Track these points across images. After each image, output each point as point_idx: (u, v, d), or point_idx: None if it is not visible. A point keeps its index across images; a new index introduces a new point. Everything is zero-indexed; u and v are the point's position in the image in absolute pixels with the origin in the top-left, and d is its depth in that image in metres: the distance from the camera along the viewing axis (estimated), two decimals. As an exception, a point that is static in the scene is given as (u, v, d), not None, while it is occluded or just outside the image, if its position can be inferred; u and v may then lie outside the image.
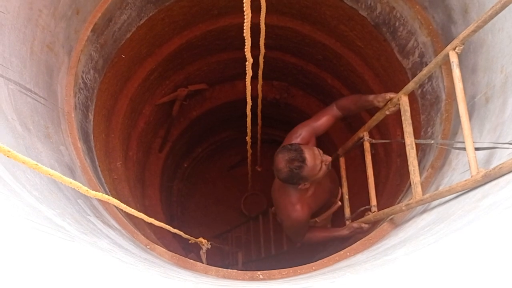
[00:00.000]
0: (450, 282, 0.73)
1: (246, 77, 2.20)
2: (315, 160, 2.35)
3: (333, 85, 3.99)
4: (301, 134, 2.59)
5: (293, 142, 2.53)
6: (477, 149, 1.58)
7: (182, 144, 4.74)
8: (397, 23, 2.70)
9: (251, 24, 2.26)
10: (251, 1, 2.11)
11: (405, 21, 2.63)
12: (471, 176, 1.51)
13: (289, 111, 4.74)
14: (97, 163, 2.59)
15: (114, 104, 3.11)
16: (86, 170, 2.25)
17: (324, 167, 2.42)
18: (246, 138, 3.34)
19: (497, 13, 1.47)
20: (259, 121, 3.29)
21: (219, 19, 3.39)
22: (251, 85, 3.03)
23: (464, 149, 1.60)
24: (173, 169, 5.00)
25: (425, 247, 1.13)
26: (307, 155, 2.33)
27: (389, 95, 2.39)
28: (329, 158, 2.45)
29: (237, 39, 3.61)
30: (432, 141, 2.10)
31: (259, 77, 2.72)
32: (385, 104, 2.43)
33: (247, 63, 2.06)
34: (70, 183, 1.21)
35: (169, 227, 2.17)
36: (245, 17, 1.69)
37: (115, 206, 2.29)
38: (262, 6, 2.01)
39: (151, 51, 3.24)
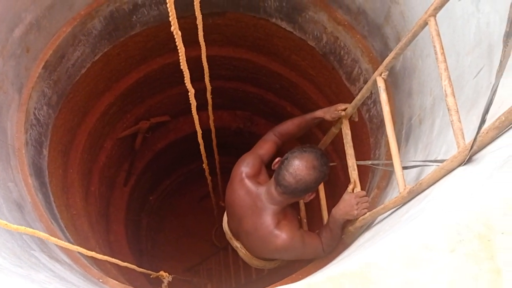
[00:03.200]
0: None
1: (192, 108, 2.27)
2: None
3: (293, 112, 4.09)
4: (249, 163, 2.34)
5: (243, 172, 2.29)
6: (404, 168, 1.67)
7: (148, 177, 4.74)
8: (342, 52, 2.84)
9: (207, 56, 2.37)
10: (204, 35, 2.23)
11: (349, 50, 2.76)
12: (399, 193, 1.59)
13: (254, 139, 4.81)
14: (52, 198, 2.59)
15: (71, 139, 3.12)
16: (37, 206, 2.25)
17: None
18: (206, 174, 3.40)
19: (410, 41, 1.59)
20: (216, 154, 3.36)
21: (176, 52, 3.43)
22: (214, 116, 3.12)
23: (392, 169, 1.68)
24: (140, 203, 4.97)
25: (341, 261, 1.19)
26: None
27: (341, 106, 2.29)
28: None
29: (196, 70, 3.70)
30: (370, 162, 2.19)
31: (209, 112, 2.80)
32: (338, 119, 2.36)
33: (189, 93, 2.13)
34: None
35: (117, 260, 2.17)
36: (179, 52, 1.76)
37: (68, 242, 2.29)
38: (202, 46, 2.09)
39: (108, 85, 3.29)
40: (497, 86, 0.80)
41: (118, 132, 3.78)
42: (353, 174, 2.15)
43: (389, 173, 2.35)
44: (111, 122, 3.62)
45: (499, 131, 1.10)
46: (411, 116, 2.23)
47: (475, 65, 1.67)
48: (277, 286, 1.83)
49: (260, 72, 3.77)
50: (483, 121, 0.94)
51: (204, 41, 2.25)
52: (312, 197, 2.11)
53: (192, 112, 2.27)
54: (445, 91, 1.37)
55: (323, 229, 2.25)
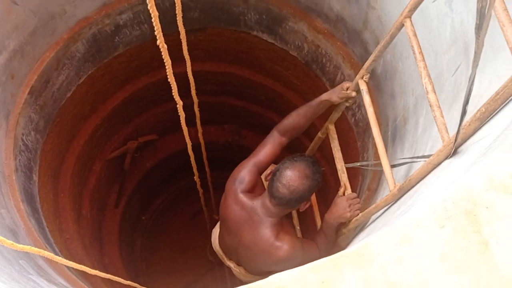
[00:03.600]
0: None
1: (181, 119, 2.28)
2: None
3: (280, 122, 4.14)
4: (244, 178, 2.20)
5: (237, 189, 2.19)
6: (393, 166, 1.71)
7: (139, 197, 4.72)
8: (324, 60, 2.89)
9: (192, 71, 2.40)
10: (187, 51, 2.26)
11: (330, 57, 2.82)
12: (390, 191, 1.62)
13: (243, 152, 4.84)
14: (44, 224, 2.58)
15: (60, 164, 3.11)
16: (31, 231, 2.25)
17: None
18: (197, 186, 3.41)
19: (388, 43, 1.64)
20: (206, 166, 3.37)
21: (160, 70, 3.50)
22: (202, 131, 3.15)
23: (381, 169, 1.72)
24: (133, 224, 4.94)
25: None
26: None
27: (346, 84, 2.10)
28: None
29: (181, 87, 3.73)
30: (358, 164, 2.23)
31: (197, 125, 2.82)
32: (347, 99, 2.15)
33: (178, 106, 2.16)
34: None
35: (119, 278, 2.17)
36: (166, 64, 1.79)
37: (65, 266, 2.28)
38: (186, 58, 2.12)
39: (94, 107, 3.30)
40: (474, 76, 0.84)
41: (107, 154, 3.78)
42: (343, 177, 2.18)
43: (378, 175, 2.39)
44: (99, 144, 3.61)
45: (481, 122, 1.14)
46: (395, 117, 2.28)
47: (453, 63, 1.72)
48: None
49: (244, 84, 3.82)
50: (464, 112, 0.98)
51: (189, 56, 2.29)
52: (307, 205, 2.10)
53: (181, 124, 2.29)
54: (426, 88, 1.42)
55: (317, 235, 2.24)
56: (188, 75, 2.31)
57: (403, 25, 1.53)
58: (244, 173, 2.23)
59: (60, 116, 2.88)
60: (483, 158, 0.77)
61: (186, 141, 2.49)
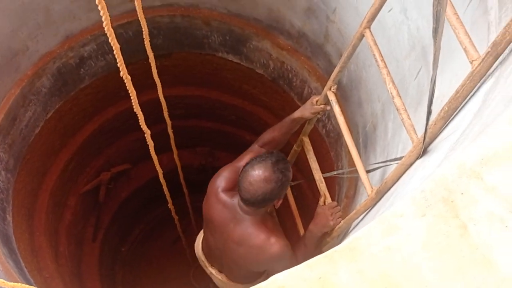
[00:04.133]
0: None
1: (150, 148, 2.29)
2: None
3: (252, 140, 4.15)
4: (225, 177, 2.22)
5: (218, 187, 2.19)
6: (368, 171, 1.76)
7: (116, 228, 4.63)
8: (290, 75, 2.96)
9: (158, 99, 2.41)
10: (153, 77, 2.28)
11: (296, 72, 2.89)
12: (368, 196, 1.67)
13: (218, 173, 4.85)
14: (22, 264, 2.50)
15: (34, 202, 3.04)
16: (10, 273, 2.18)
17: None
18: (172, 214, 3.39)
19: (351, 54, 1.71)
20: (184, 187, 3.36)
21: (128, 99, 3.46)
22: (173, 157, 3.14)
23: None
24: (112, 256, 4.83)
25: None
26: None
27: (315, 98, 2.17)
28: None
29: (150, 114, 3.73)
30: (335, 173, 2.28)
31: (172, 147, 2.82)
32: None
33: (146, 135, 2.16)
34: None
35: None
36: (131, 96, 1.80)
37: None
38: (156, 81, 2.14)
39: (64, 141, 3.26)
40: (435, 77, 0.90)
41: (80, 187, 3.71)
42: (322, 187, 2.22)
43: (354, 182, 2.45)
44: (72, 178, 3.55)
45: (445, 120, 1.20)
46: (365, 124, 2.35)
47: (414, 67, 1.81)
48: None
49: (214, 106, 3.85)
50: (429, 112, 1.04)
51: (154, 83, 2.30)
52: (280, 202, 2.05)
53: (151, 153, 2.29)
54: (391, 93, 1.48)
55: (297, 245, 2.20)
56: (160, 98, 2.32)
57: (363, 35, 1.59)
58: (225, 173, 2.25)
59: (30, 153, 2.82)
60: (453, 150, 0.82)
61: (157, 169, 2.49)
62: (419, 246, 0.51)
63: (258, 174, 1.90)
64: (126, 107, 3.54)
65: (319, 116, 2.22)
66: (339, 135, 2.73)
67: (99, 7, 1.29)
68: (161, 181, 2.63)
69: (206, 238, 2.47)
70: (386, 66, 1.53)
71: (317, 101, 2.14)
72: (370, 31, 1.59)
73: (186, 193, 3.52)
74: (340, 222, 1.97)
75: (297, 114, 2.23)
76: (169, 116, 2.67)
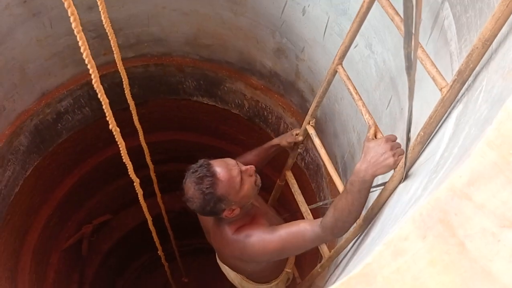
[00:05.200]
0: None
1: (139, 196, 2.30)
2: (230, 171, 1.82)
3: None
4: None
5: None
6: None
7: (101, 282, 4.52)
8: (265, 113, 3.05)
9: (136, 146, 2.44)
10: (129, 125, 2.32)
11: (271, 109, 2.98)
12: (356, 223, 1.72)
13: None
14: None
15: (16, 262, 2.96)
16: None
17: (248, 178, 1.87)
18: (162, 261, 3.36)
19: (326, 89, 1.81)
20: (168, 228, 3.35)
21: (105, 149, 3.51)
22: (155, 202, 3.15)
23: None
24: (98, 312, 4.68)
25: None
26: (217, 167, 1.84)
27: (295, 131, 2.21)
28: (252, 167, 1.92)
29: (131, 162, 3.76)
30: (321, 203, 2.34)
31: (156, 192, 2.83)
32: (295, 144, 2.25)
33: (135, 183, 2.18)
34: None
35: None
36: (119, 146, 1.83)
37: None
38: (138, 128, 2.18)
39: (44, 198, 3.22)
40: (412, 106, 0.98)
41: (62, 243, 3.64)
42: (308, 218, 2.27)
43: (338, 210, 2.51)
44: (53, 234, 3.48)
45: (422, 145, 1.29)
46: (343, 154, 2.44)
47: (384, 97, 1.92)
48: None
49: (192, 148, 3.89)
50: (408, 139, 1.11)
51: (132, 132, 2.35)
52: (235, 212, 1.87)
53: (140, 200, 2.31)
54: (368, 123, 1.56)
55: (335, 201, 1.64)
56: (142, 144, 2.36)
57: (336, 71, 1.69)
58: None
59: (10, 213, 2.78)
60: (437, 173, 0.89)
61: (146, 216, 2.50)
62: (425, 265, 0.56)
63: (185, 189, 1.86)
64: (105, 157, 3.56)
65: (300, 150, 2.29)
66: (319, 166, 2.81)
67: (88, 66, 1.34)
68: (151, 228, 2.64)
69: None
70: (361, 98, 1.62)
71: (297, 134, 2.21)
72: (342, 67, 1.69)
73: (171, 236, 3.51)
74: (402, 160, 1.38)
75: (275, 141, 2.32)
76: (148, 161, 2.70)
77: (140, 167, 2.63)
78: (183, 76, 3.05)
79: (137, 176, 2.61)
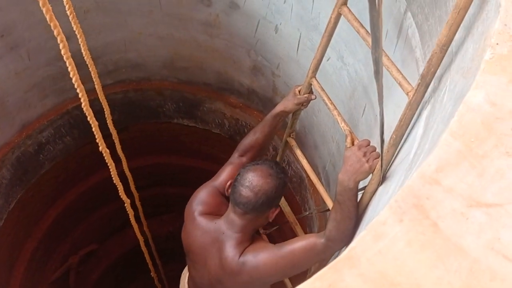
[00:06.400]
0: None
1: (130, 217, 2.32)
2: None
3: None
4: (202, 199, 2.00)
5: (195, 211, 1.95)
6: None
7: (90, 314, 4.44)
8: (246, 130, 3.11)
9: (120, 172, 2.46)
10: (111, 152, 2.34)
11: (252, 126, 3.04)
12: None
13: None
14: None
15: (3, 299, 2.91)
16: None
17: None
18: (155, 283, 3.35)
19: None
20: (158, 262, 3.34)
21: (88, 178, 3.50)
22: (140, 228, 3.14)
23: (328, 210, 1.89)
24: None
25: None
26: None
27: (297, 88, 1.91)
28: None
29: (114, 189, 3.74)
30: (307, 213, 2.39)
31: (141, 218, 2.84)
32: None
33: (125, 204, 2.20)
34: None
35: None
36: (110, 168, 1.87)
37: None
38: (121, 156, 2.21)
39: (28, 230, 3.18)
40: (382, 110, 1.05)
41: (49, 275, 3.58)
42: (297, 228, 2.31)
43: (324, 219, 2.56)
44: (39, 267, 3.43)
45: (396, 147, 1.36)
46: (324, 165, 2.51)
47: (359, 106, 2.00)
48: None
49: (175, 171, 3.91)
50: (382, 141, 1.18)
51: (115, 159, 2.36)
52: (276, 212, 1.86)
53: (131, 221, 2.32)
54: (345, 131, 1.64)
55: (330, 216, 1.67)
56: (125, 172, 2.38)
57: (311, 84, 1.77)
58: (202, 194, 2.03)
59: (-5, 249, 2.75)
60: (411, 170, 0.96)
61: (138, 237, 2.51)
62: (403, 246, 0.62)
63: (261, 170, 1.76)
64: (88, 186, 3.56)
65: (303, 108, 1.98)
66: (302, 178, 2.87)
67: (78, 90, 1.38)
68: (143, 249, 2.63)
69: (191, 275, 2.17)
70: (336, 108, 1.69)
71: (299, 91, 1.90)
72: (316, 79, 1.76)
73: (159, 265, 3.50)
74: (377, 163, 1.46)
75: (279, 108, 1.98)
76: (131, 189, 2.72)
77: (126, 193, 2.64)
78: (163, 99, 3.10)
79: (122, 202, 2.61)
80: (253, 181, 1.73)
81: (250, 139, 2.08)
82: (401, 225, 0.64)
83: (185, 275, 2.33)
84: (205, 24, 2.59)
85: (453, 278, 0.60)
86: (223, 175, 2.07)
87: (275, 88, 2.67)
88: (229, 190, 1.87)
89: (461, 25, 1.07)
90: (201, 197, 2.01)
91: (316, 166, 2.65)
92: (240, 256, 1.77)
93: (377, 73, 0.93)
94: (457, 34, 1.09)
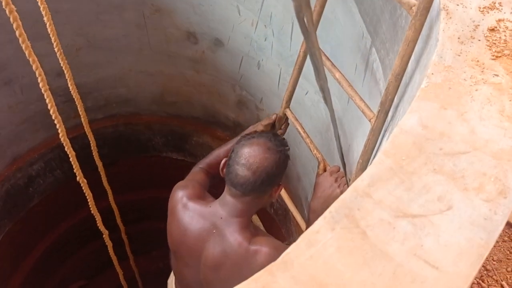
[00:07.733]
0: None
1: (109, 249, 2.34)
2: None
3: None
4: (188, 185, 1.81)
5: (184, 196, 1.76)
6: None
7: None
8: (232, 163, 3.18)
9: (108, 207, 2.51)
10: (99, 186, 2.40)
11: (238, 159, 3.11)
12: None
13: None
14: None
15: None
16: None
17: None
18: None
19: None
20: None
21: (77, 212, 3.53)
22: (129, 265, 3.16)
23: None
24: None
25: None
26: None
27: (273, 117, 1.93)
28: None
29: (102, 223, 3.77)
30: (286, 242, 2.42)
31: (128, 254, 2.86)
32: (272, 125, 1.96)
33: (104, 236, 2.23)
34: None
35: None
36: (88, 201, 1.92)
37: None
38: (107, 188, 2.26)
39: (16, 265, 3.18)
40: (337, 133, 1.14)
41: (36, 312, 3.55)
42: (318, 156, 2.30)
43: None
44: (26, 303, 3.41)
45: (363, 171, 1.43)
46: (306, 196, 2.56)
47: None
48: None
49: (164, 204, 3.93)
50: (343, 164, 1.25)
51: (103, 192, 2.43)
52: (280, 190, 1.68)
53: (110, 254, 2.34)
54: (317, 158, 1.71)
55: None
56: (112, 204, 2.43)
57: (285, 114, 1.86)
58: (185, 183, 1.85)
59: (-20, 282, 2.75)
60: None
61: (117, 270, 2.52)
62: (333, 251, 0.68)
63: (258, 144, 1.54)
64: (77, 220, 3.59)
65: (280, 133, 1.94)
66: (286, 210, 2.91)
67: (56, 121, 1.46)
68: (122, 283, 2.62)
69: (179, 275, 1.93)
70: (308, 136, 1.78)
71: (274, 118, 1.91)
72: (290, 110, 1.85)
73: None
74: (347, 189, 1.41)
75: (250, 129, 1.96)
76: (121, 222, 2.75)
77: (113, 228, 2.69)
78: (152, 133, 3.18)
79: (110, 237, 2.65)
80: (250, 157, 1.50)
81: (215, 156, 1.94)
82: (333, 233, 0.70)
83: (171, 279, 2.17)
84: (192, 60, 2.71)
85: (377, 280, 0.65)
86: (198, 176, 1.89)
87: (259, 121, 2.75)
88: (224, 170, 1.63)
89: (412, 58, 1.17)
90: (186, 184, 1.82)
91: (299, 197, 2.70)
92: (250, 243, 1.55)
93: (325, 100, 1.01)
94: (409, 66, 1.19)
